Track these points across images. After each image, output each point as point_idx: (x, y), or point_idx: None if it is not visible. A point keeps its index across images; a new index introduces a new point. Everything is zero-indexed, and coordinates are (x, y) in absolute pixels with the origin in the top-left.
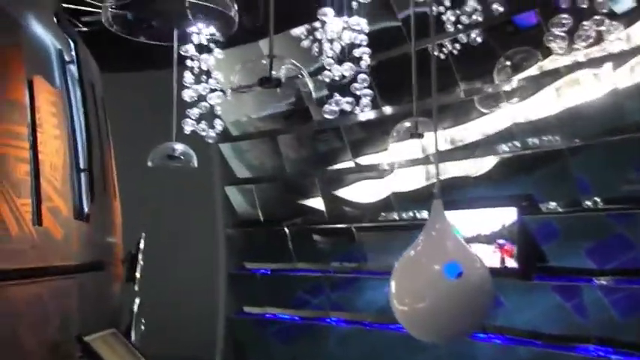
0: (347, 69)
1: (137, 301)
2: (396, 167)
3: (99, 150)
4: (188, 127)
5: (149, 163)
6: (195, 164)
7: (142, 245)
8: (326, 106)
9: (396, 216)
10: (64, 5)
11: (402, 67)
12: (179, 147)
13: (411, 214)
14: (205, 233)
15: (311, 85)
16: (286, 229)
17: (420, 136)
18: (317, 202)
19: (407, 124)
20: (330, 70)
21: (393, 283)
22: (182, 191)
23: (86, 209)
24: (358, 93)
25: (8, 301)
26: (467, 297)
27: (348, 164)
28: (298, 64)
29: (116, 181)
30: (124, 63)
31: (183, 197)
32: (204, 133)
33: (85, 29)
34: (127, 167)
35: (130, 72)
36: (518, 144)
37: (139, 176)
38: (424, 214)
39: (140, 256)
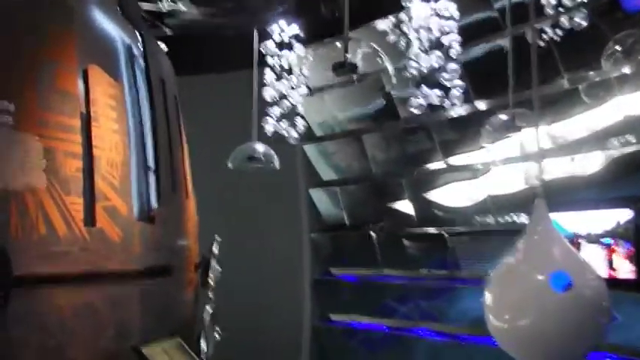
0: (435, 59)
1: (209, 308)
2: (493, 167)
3: (168, 148)
4: (269, 126)
5: (229, 165)
6: (277, 166)
7: (215, 249)
8: (412, 99)
9: (491, 220)
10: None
11: (498, 57)
12: (260, 148)
13: (508, 218)
14: (289, 238)
15: (391, 70)
16: (373, 234)
17: (519, 129)
18: (405, 205)
19: (503, 116)
20: (416, 62)
21: (488, 295)
22: (265, 194)
23: (152, 210)
24: (448, 84)
25: (53, 308)
26: (578, 314)
27: (439, 164)
28: (376, 47)
29: (190, 181)
30: (203, 65)
31: (266, 200)
32: (285, 133)
33: (167, 30)
34: (209, 170)
35: (209, 74)
36: (632, 139)
37: (220, 179)
38: (523, 218)
39: (213, 261)
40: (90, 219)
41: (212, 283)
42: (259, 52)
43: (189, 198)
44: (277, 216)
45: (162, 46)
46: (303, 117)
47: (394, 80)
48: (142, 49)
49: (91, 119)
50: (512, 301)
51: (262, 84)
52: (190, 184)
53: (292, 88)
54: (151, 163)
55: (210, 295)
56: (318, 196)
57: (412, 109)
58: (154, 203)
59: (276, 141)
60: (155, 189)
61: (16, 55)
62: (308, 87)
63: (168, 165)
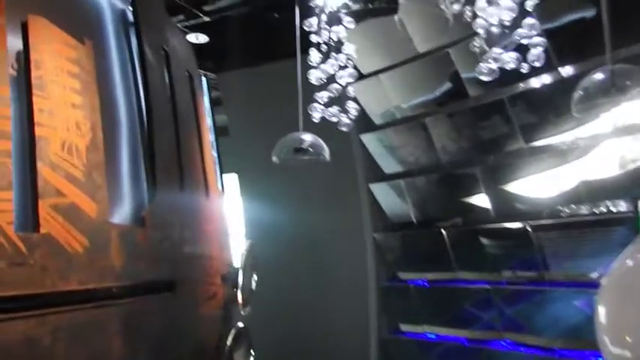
0: (508, 8)
1: (236, 327)
2: (586, 147)
3: (173, 136)
4: (317, 113)
5: (273, 159)
6: (327, 157)
7: (245, 258)
8: (481, 65)
9: (585, 210)
10: None
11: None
12: (307, 137)
13: (603, 208)
14: (350, 239)
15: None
16: (444, 232)
17: (622, 90)
18: (480, 198)
19: (599, 75)
20: (483, 18)
21: (602, 311)
22: (321, 191)
23: (142, 210)
24: (525, 42)
25: None
26: None
27: (518, 148)
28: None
29: (216, 178)
30: (245, 58)
31: (322, 198)
32: (336, 119)
33: (207, 19)
34: (262, 168)
35: (251, 67)
36: None
37: (273, 177)
38: (623, 207)
39: (241, 272)
40: (29, 222)
41: (241, 297)
42: (302, 30)
43: (213, 197)
44: (335, 215)
45: (203, 37)
46: (356, 101)
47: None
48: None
49: (32, 88)
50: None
51: (308, 67)
52: (216, 181)
53: (341, 67)
54: (139, 151)
55: (243, 311)
56: (381, 192)
57: (482, 77)
58: (144, 201)
59: (327, 130)
60: (148, 184)
61: None
62: (356, 68)
63: (172, 156)
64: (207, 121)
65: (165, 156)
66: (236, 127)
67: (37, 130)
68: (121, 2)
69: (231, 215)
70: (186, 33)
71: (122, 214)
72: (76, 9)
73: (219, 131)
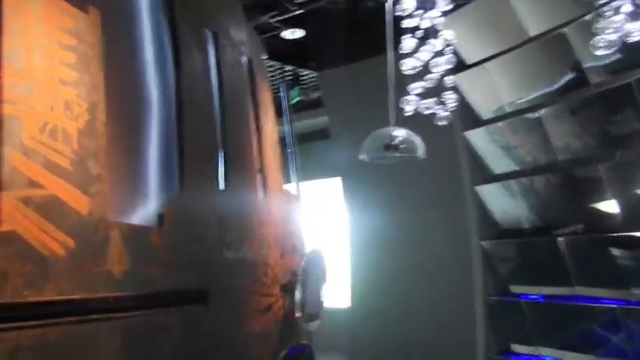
0: None
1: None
2: None
3: (211, 123)
4: (409, 106)
5: (361, 157)
6: (421, 155)
7: (307, 265)
8: (597, 38)
9: None
10: None
11: None
12: (399, 133)
13: None
14: (455, 247)
15: None
16: (563, 240)
17: None
18: (605, 202)
19: None
20: None
21: None
22: (421, 193)
23: (162, 207)
24: None
25: None
26: None
27: None
28: None
29: (277, 175)
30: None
31: (422, 201)
32: (429, 112)
33: (298, 12)
34: (362, 170)
35: (351, 63)
36: None
37: (373, 179)
38: None
39: (300, 282)
40: None
41: (302, 310)
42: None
43: (274, 198)
44: (437, 220)
45: (299, 32)
46: (456, 91)
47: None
48: None
49: (1, 58)
50: None
51: (400, 57)
52: (280, 181)
53: (437, 54)
54: (161, 139)
55: (307, 326)
56: (490, 195)
57: (597, 51)
58: (164, 197)
59: (431, 127)
60: (171, 177)
61: None
62: (460, 58)
63: (210, 148)
64: (270, 114)
65: (199, 147)
66: (337, 129)
67: (7, 109)
68: None
69: (306, 219)
70: (281, 29)
71: (145, 212)
72: None
73: (321, 134)
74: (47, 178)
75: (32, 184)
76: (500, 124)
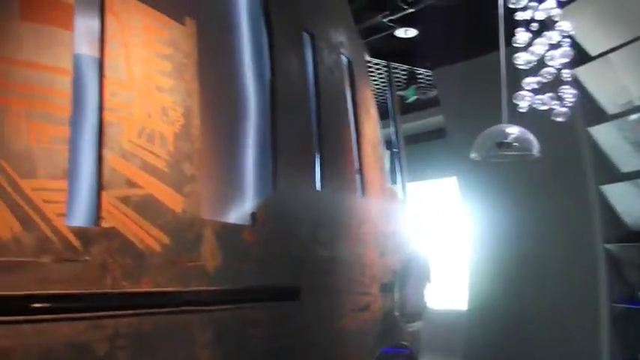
0: None
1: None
2: None
3: (307, 123)
4: (524, 102)
5: (473, 156)
6: (537, 153)
7: (406, 265)
8: None
9: None
10: None
11: None
12: (512, 130)
13: None
14: (576, 250)
15: None
16: None
17: None
18: None
19: None
20: None
21: None
22: (540, 193)
23: (256, 206)
24: None
25: None
26: None
27: None
28: None
29: (378, 174)
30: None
31: (541, 201)
32: (545, 107)
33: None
34: (480, 169)
35: (465, 60)
36: None
37: (490, 178)
38: None
39: (398, 282)
40: (89, 215)
41: (401, 310)
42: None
43: (372, 197)
44: (558, 221)
45: (411, 31)
46: (577, 85)
47: None
48: None
49: (104, 69)
50: None
51: (514, 51)
52: (379, 180)
53: (553, 47)
54: (257, 141)
55: (408, 327)
56: (616, 194)
57: None
58: (257, 197)
59: (550, 124)
60: (266, 177)
61: None
62: (581, 50)
63: (305, 147)
64: (372, 114)
65: (294, 146)
66: (453, 128)
67: (107, 115)
68: None
69: (413, 219)
70: (394, 28)
71: (239, 211)
72: None
73: (439, 133)
74: (144, 178)
75: (130, 184)
76: (631, 117)
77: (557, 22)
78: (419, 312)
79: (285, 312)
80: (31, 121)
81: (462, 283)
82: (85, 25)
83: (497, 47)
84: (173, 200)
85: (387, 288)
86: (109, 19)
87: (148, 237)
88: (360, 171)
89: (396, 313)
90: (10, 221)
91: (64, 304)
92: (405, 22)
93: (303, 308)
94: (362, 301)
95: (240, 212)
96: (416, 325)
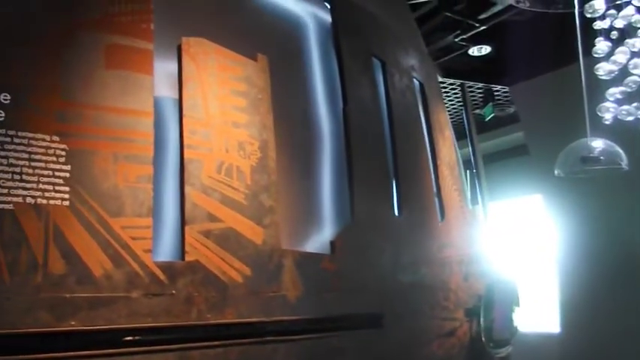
0: None
1: None
2: None
3: (381, 149)
4: (608, 114)
5: (557, 172)
6: (625, 165)
7: (492, 288)
8: None
9: None
10: None
11: None
12: (597, 144)
13: None
14: None
15: None
16: None
17: None
18: None
19: None
20: None
21: None
22: (631, 207)
23: (335, 235)
24: None
25: None
26: None
27: None
28: None
29: (457, 196)
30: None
31: (634, 216)
32: (630, 118)
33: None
34: (566, 186)
35: (544, 74)
36: None
37: (578, 194)
38: None
39: (484, 309)
40: (174, 250)
41: (487, 335)
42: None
43: (453, 220)
44: None
45: (485, 48)
46: None
47: None
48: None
49: (183, 109)
50: None
51: (594, 61)
52: (459, 202)
53: (637, 54)
54: (333, 170)
55: (496, 352)
56: None
57: None
58: (336, 226)
59: (628, 133)
60: (343, 206)
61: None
62: None
63: (381, 174)
64: (447, 136)
65: (370, 173)
66: (535, 144)
67: (187, 153)
68: (320, 11)
69: (496, 240)
70: (467, 47)
71: (318, 240)
72: (251, 25)
73: (520, 150)
74: (224, 212)
75: (211, 218)
76: None
77: (639, 28)
78: (507, 337)
79: (369, 340)
80: (118, 162)
81: (551, 304)
82: (164, 69)
83: (576, 59)
84: (253, 232)
85: (472, 313)
86: (186, 61)
87: (231, 269)
88: (439, 194)
89: (483, 339)
90: (102, 259)
91: (153, 337)
92: (477, 40)
93: (387, 335)
94: (447, 326)
95: (319, 241)
96: (505, 351)
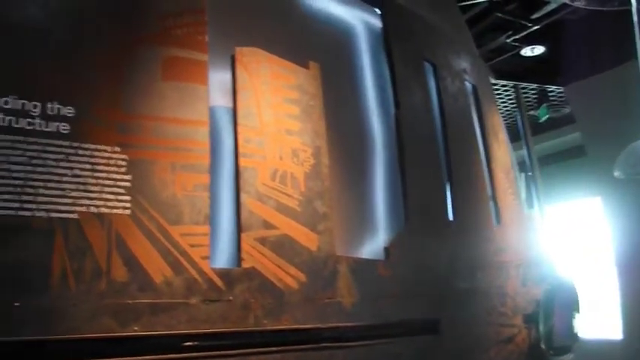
0: None
1: None
2: None
3: (433, 152)
4: None
5: (616, 174)
6: None
7: (551, 295)
8: None
9: None
10: None
11: None
12: None
13: None
14: None
15: None
16: None
17: None
18: None
19: None
20: None
21: None
22: None
23: (388, 242)
24: None
25: None
26: None
27: None
28: None
29: (512, 199)
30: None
31: None
32: None
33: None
34: (626, 188)
35: (600, 73)
36: None
37: (631, 195)
38: None
39: (543, 315)
40: (230, 257)
41: (546, 341)
42: None
43: (509, 224)
44: None
45: (539, 48)
46: None
47: None
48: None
49: (237, 118)
50: None
51: None
52: (515, 206)
53: None
54: (385, 175)
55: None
56: None
57: None
58: (390, 231)
59: None
60: (397, 211)
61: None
62: None
63: (434, 178)
64: (502, 138)
65: (423, 178)
66: (593, 145)
67: (242, 161)
68: (371, 17)
69: (554, 244)
70: (520, 47)
71: (372, 246)
72: (302, 33)
73: (577, 151)
74: (279, 219)
75: (267, 225)
76: None
77: None
78: (568, 344)
79: (426, 346)
80: (176, 171)
81: (613, 309)
82: (218, 79)
83: (633, 56)
84: (308, 238)
85: (531, 319)
86: (239, 70)
87: (286, 275)
88: (494, 198)
89: (543, 346)
90: (162, 266)
91: (211, 343)
92: (530, 40)
93: (444, 342)
94: (505, 332)
95: (373, 247)
96: (565, 358)
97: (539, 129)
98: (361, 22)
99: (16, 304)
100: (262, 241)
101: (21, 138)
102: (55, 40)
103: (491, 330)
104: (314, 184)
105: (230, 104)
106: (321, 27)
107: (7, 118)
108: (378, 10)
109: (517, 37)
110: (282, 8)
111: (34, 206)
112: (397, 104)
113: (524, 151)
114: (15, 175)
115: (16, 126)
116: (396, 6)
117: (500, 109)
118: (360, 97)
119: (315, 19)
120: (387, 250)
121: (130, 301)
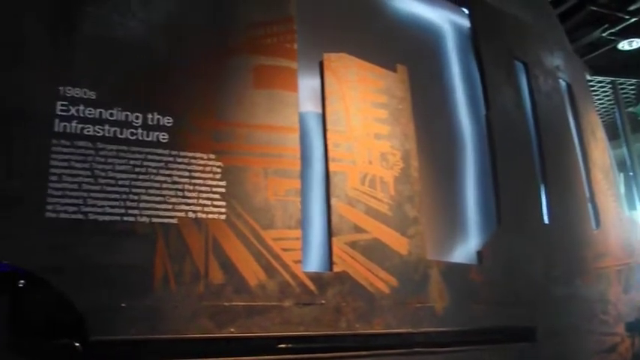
0: None
1: None
2: None
3: (527, 154)
4: None
5: None
6: None
7: None
8: None
9: None
10: None
11: None
12: None
13: None
14: None
15: None
16: None
17: None
18: None
19: None
20: None
21: None
22: None
23: (483, 245)
24: None
25: None
26: None
27: None
28: None
29: (611, 202)
30: None
31: None
32: None
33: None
34: None
35: None
36: None
37: None
38: None
39: None
40: (322, 261)
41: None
42: None
43: (610, 228)
44: None
45: (637, 42)
46: None
47: None
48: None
49: (326, 123)
50: None
51: None
52: (615, 209)
53: None
54: (477, 178)
55: None
56: None
57: None
58: (482, 235)
59: None
60: (489, 214)
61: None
62: None
63: (528, 180)
64: (600, 137)
65: (517, 179)
66: None
67: (332, 166)
68: (458, 17)
69: None
70: (617, 41)
71: (464, 250)
72: (389, 37)
73: None
74: (369, 223)
75: (357, 229)
76: None
77: None
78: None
79: (521, 354)
80: (268, 177)
81: None
82: (307, 85)
83: None
84: (398, 243)
85: (634, 327)
86: (328, 76)
87: (377, 279)
88: (592, 199)
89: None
90: (256, 269)
91: (305, 345)
92: (627, 33)
93: (540, 350)
94: (607, 341)
95: (465, 251)
96: None
97: (639, 126)
98: (449, 22)
99: (122, 305)
100: (353, 245)
101: (125, 147)
102: (153, 53)
103: (592, 339)
104: (404, 187)
105: (319, 110)
106: (409, 30)
107: (112, 129)
108: (465, 10)
109: (613, 30)
110: (369, 13)
111: (137, 212)
112: (487, 105)
113: (624, 150)
114: (120, 182)
115: (120, 136)
116: (484, 5)
117: (596, 107)
118: (449, 98)
119: (402, 22)
120: (479, 254)
121: (226, 303)
